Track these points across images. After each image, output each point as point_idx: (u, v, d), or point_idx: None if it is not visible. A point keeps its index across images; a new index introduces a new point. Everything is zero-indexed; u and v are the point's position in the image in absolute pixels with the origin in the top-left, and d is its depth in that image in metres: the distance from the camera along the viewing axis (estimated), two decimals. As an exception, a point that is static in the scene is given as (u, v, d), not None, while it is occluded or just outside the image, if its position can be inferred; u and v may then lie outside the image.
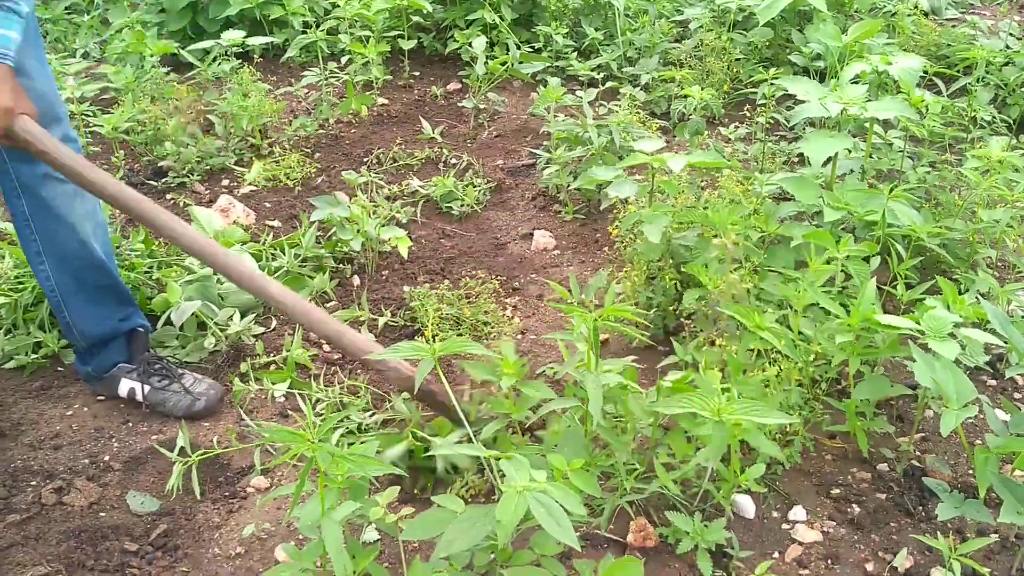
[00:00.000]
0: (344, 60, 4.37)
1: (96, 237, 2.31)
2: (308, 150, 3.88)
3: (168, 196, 3.51)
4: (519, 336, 2.72)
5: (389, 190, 3.50)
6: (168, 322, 2.53)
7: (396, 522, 1.76)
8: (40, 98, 2.10)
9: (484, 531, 1.47)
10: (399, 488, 1.75)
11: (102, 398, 2.44)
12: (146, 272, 2.76)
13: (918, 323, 1.90)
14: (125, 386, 2.39)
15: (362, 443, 1.64)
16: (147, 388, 2.37)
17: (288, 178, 3.60)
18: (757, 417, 1.74)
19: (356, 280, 3.00)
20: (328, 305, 2.84)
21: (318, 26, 4.27)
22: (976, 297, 2.06)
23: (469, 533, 1.47)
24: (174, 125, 3.77)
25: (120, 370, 2.40)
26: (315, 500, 1.46)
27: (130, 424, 2.34)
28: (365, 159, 3.79)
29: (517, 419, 1.97)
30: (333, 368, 2.53)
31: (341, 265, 3.04)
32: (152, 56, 4.18)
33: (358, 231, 2.97)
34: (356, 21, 4.35)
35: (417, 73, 4.71)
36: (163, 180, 3.63)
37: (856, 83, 2.80)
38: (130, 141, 3.85)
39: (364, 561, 1.55)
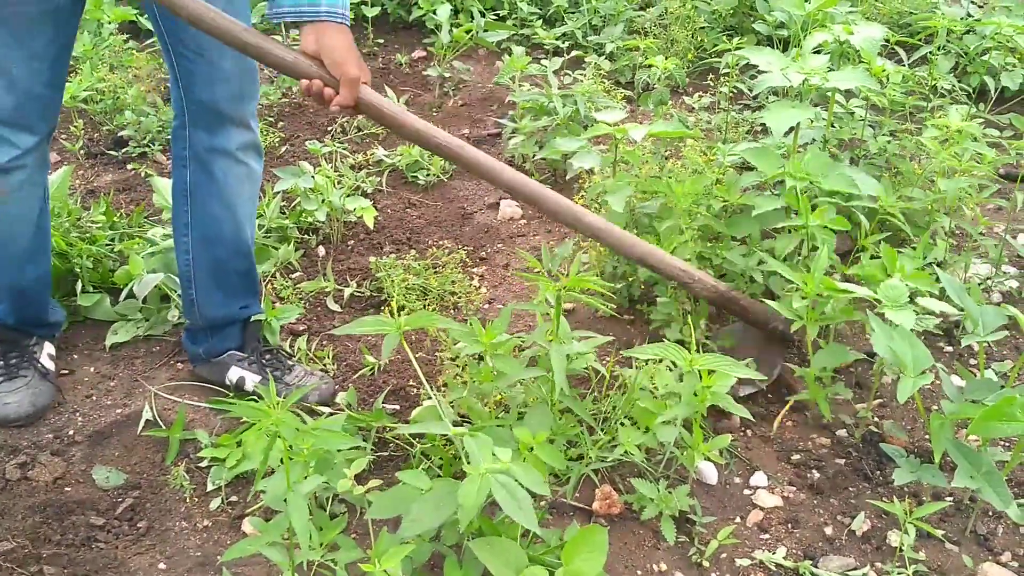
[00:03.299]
0: (307, 27, 4.30)
1: (249, 222, 2.24)
2: (271, 119, 3.84)
3: (129, 166, 3.47)
4: (486, 306, 2.73)
5: (354, 160, 3.48)
6: (131, 295, 2.51)
7: (364, 494, 1.78)
8: (248, 70, 2.06)
9: (449, 509, 1.48)
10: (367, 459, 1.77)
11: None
12: (108, 244, 2.73)
13: (875, 292, 1.94)
14: (235, 373, 2.31)
15: (328, 416, 1.64)
16: (259, 378, 2.29)
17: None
18: (727, 369, 1.79)
19: (321, 250, 2.99)
20: (293, 276, 2.84)
21: (280, -8, 4.20)
22: (932, 266, 2.09)
23: (434, 512, 1.48)
24: (134, 94, 3.72)
25: (231, 357, 2.31)
26: (281, 473, 1.47)
27: (94, 398, 2.32)
28: (329, 128, 3.76)
29: (489, 390, 1.99)
30: (298, 339, 2.52)
31: (306, 236, 3.03)
32: (110, 23, 4.10)
33: (323, 201, 2.96)
34: (318, -13, 4.28)
35: (381, 41, 4.66)
36: (123, 150, 3.58)
37: (819, 52, 2.81)
38: (89, 111, 3.79)
39: (331, 533, 1.56)
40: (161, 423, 2.22)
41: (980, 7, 4.36)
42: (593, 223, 2.11)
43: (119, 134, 3.66)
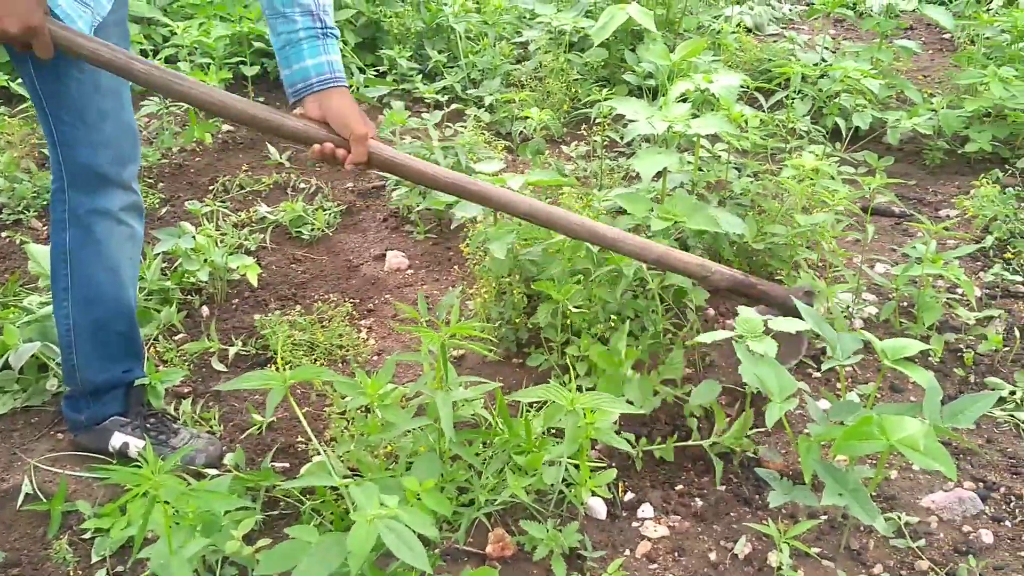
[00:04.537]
0: (185, 87, 4.29)
1: (132, 284, 2.21)
2: (151, 180, 3.79)
3: (3, 234, 3.37)
4: (375, 358, 2.75)
5: (236, 218, 3.47)
6: (6, 366, 2.44)
7: (254, 554, 1.77)
8: (130, 133, 2.03)
9: (339, 560, 1.49)
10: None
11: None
12: (-20, 315, 2.65)
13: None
14: (118, 439, 2.25)
15: (212, 478, 1.64)
16: (143, 443, 2.24)
17: (132, 210, 3.51)
18: (607, 406, 1.87)
19: (205, 311, 2.96)
20: (176, 337, 2.80)
21: (156, 54, 4.18)
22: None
23: (323, 564, 1.50)
24: (7, 160, 3.63)
25: (114, 423, 2.27)
26: (164, 539, 1.46)
27: (-32, 475, 2.25)
28: (211, 187, 3.74)
29: (377, 442, 2.01)
30: (184, 401, 2.49)
31: (189, 296, 3.00)
32: (-21, 89, 4.00)
33: (205, 261, 2.94)
34: (196, 48, 4.28)
35: (262, 99, 4.66)
36: (-5, 218, 3.48)
37: (684, 100, 2.96)
38: (-43, 178, 3.67)
39: (221, 595, 1.55)
40: (42, 496, 2.16)
41: (833, 52, 4.65)
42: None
43: (-10, 201, 3.56)
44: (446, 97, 4.31)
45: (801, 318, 2.16)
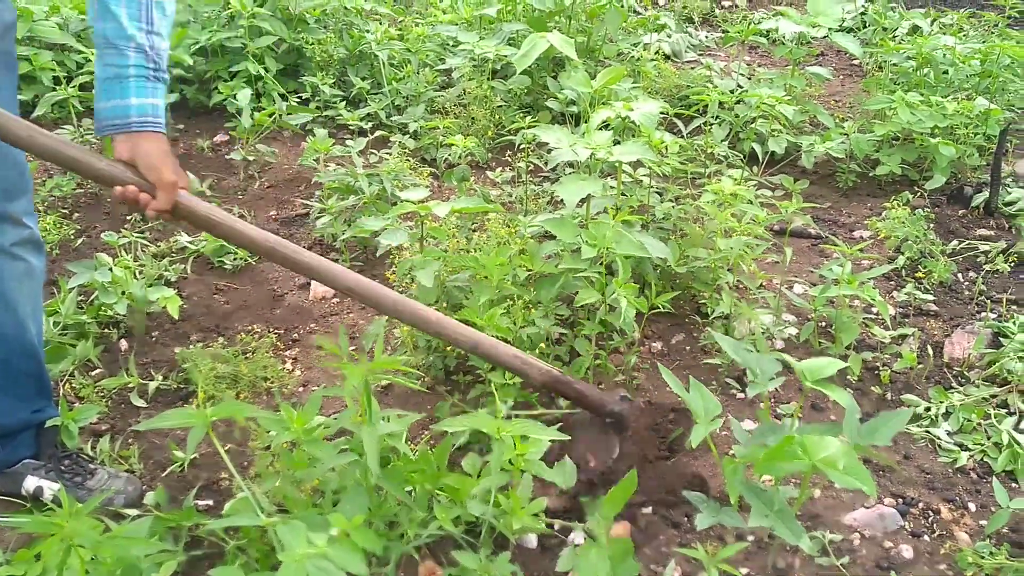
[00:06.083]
0: (100, 115, 4.19)
1: (34, 321, 2.12)
2: (66, 211, 3.69)
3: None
4: (300, 389, 2.70)
5: (156, 248, 3.39)
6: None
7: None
8: (15, 165, 1.95)
9: (265, 601, 1.46)
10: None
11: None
12: None
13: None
14: (31, 483, 2.17)
15: (132, 521, 1.59)
16: (58, 486, 2.15)
17: (44, 241, 3.40)
18: (533, 434, 1.86)
19: (124, 344, 2.88)
20: (93, 373, 2.72)
21: (69, 81, 4.08)
22: (710, 326, 2.25)
23: (249, 604, 1.46)
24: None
25: (26, 466, 2.18)
26: (81, 586, 1.41)
27: None
28: (129, 217, 3.65)
29: (304, 477, 1.97)
30: (101, 439, 2.42)
31: (106, 330, 2.92)
32: None
33: (123, 293, 2.87)
34: (111, 75, 4.18)
35: (181, 126, 4.59)
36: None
37: (606, 127, 3.01)
38: None
39: (142, 642, 1.50)
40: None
41: (748, 79, 4.78)
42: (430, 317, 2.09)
43: None
44: (370, 124, 4.29)
45: (618, 424, 2.22)
